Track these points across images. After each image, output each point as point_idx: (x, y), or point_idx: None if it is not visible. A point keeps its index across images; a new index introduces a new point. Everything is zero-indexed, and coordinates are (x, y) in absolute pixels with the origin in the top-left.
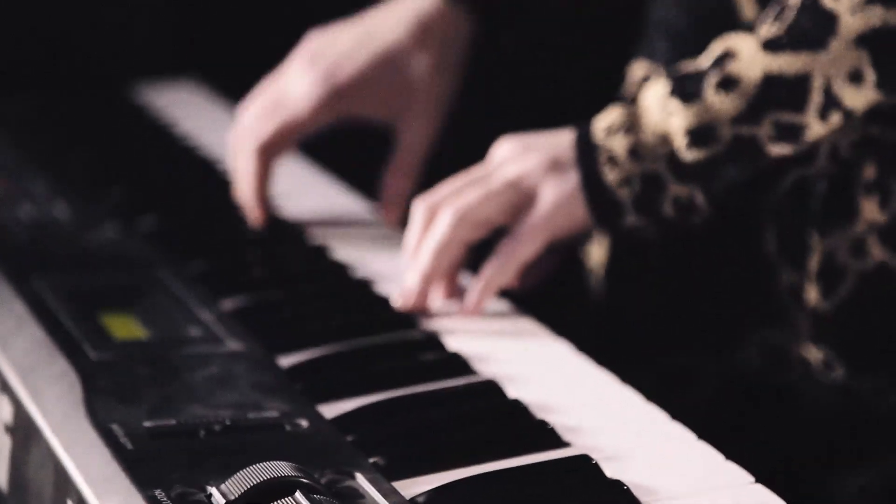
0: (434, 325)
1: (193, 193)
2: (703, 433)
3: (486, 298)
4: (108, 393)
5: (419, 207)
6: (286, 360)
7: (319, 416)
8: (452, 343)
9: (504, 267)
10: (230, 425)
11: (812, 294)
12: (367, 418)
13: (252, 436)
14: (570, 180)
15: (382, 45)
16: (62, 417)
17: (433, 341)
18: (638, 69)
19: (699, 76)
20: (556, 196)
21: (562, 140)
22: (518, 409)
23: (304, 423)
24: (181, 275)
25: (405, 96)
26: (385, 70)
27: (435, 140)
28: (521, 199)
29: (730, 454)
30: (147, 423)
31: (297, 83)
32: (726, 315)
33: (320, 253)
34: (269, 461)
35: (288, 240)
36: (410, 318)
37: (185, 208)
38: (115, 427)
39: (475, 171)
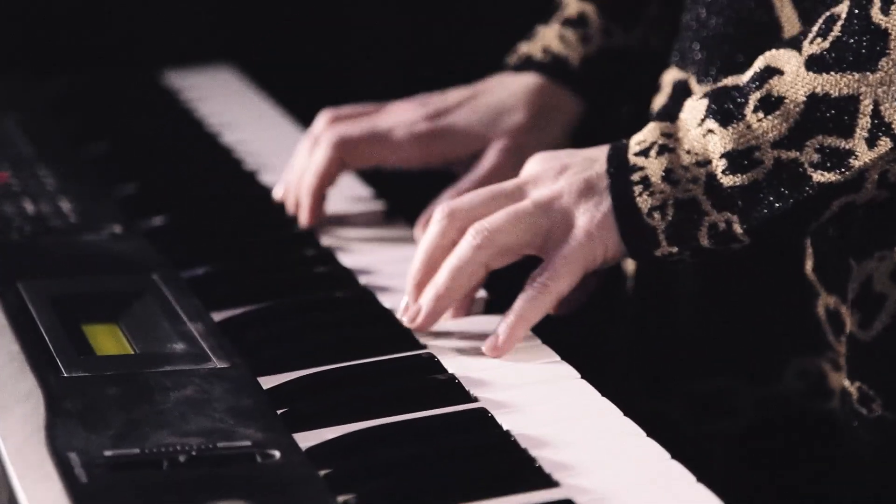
0: (436, 343)
1: (207, 187)
2: (737, 462)
3: (518, 336)
4: (72, 416)
5: (440, 215)
6: (270, 381)
7: (294, 447)
8: (452, 365)
9: (537, 302)
10: (196, 456)
11: (850, 322)
12: (346, 449)
13: (218, 469)
14: (603, 205)
15: (485, 102)
16: (22, 442)
17: (431, 363)
18: (670, 76)
19: (740, 94)
20: (589, 223)
21: (596, 159)
22: (508, 444)
23: (276, 453)
24: (178, 280)
25: (493, 140)
26: (481, 121)
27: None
28: (551, 225)
29: (765, 486)
30: (108, 453)
31: (399, 111)
32: (764, 339)
33: (327, 258)
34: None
35: (298, 243)
36: (410, 336)
37: (196, 203)
38: (73, 456)
39: (505, 186)
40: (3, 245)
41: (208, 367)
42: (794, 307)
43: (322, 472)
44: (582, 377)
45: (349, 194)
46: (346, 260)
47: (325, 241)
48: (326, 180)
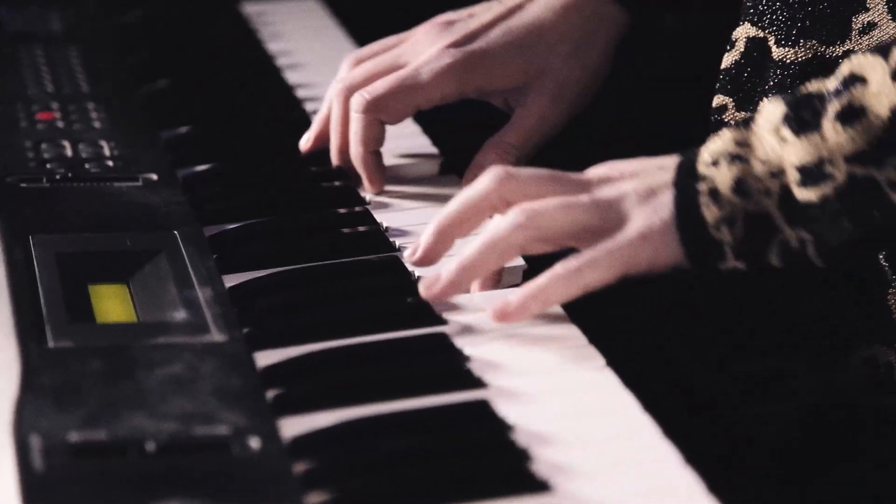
0: (457, 318)
1: (260, 133)
2: (794, 450)
3: (530, 309)
4: (46, 392)
5: (494, 174)
6: (270, 356)
7: (275, 435)
8: (468, 344)
9: (564, 284)
10: (166, 445)
11: None
12: (331, 440)
13: (187, 459)
14: (664, 211)
15: (520, 22)
16: None
17: (444, 343)
18: (743, 32)
19: (820, 101)
20: (645, 226)
21: (666, 167)
22: (505, 441)
23: (254, 443)
24: (200, 238)
25: (532, 75)
26: (519, 47)
27: (551, 131)
28: (603, 225)
29: (821, 478)
30: (72, 437)
31: (422, 43)
32: (829, 324)
33: (364, 217)
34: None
35: (337, 198)
36: (429, 310)
37: (243, 151)
38: (35, 439)
39: (570, 176)
40: (28, 192)
41: (204, 341)
42: (864, 294)
43: (299, 467)
44: (630, 355)
45: (406, 144)
46: (385, 218)
47: (370, 196)
48: (373, 145)
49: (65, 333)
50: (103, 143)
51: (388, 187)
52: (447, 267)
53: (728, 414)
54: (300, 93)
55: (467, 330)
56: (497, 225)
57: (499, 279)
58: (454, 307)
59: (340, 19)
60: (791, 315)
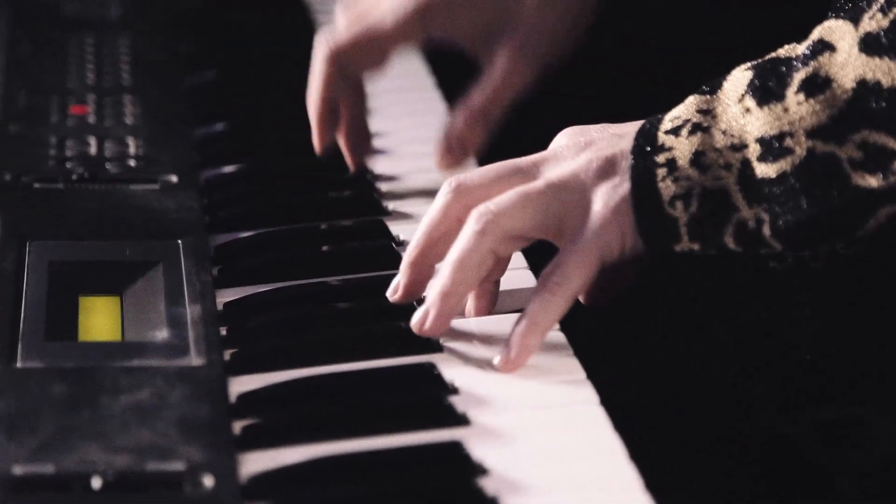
0: (453, 345)
1: (294, 136)
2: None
3: (532, 346)
4: (1, 419)
5: (446, 189)
6: (245, 384)
7: (232, 474)
8: (459, 375)
9: (550, 305)
10: (113, 481)
11: None
12: (291, 481)
13: (135, 497)
14: (622, 188)
15: None
16: None
17: (430, 374)
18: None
19: (787, 68)
20: (605, 208)
21: (625, 134)
22: (470, 490)
23: (208, 481)
24: (205, 248)
25: (502, 25)
26: None
27: (522, 86)
28: (565, 209)
29: None
30: (18, 469)
31: None
32: None
33: (376, 228)
34: None
35: (355, 208)
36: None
37: (272, 155)
38: None
39: (520, 163)
40: (39, 194)
41: (179, 364)
42: None
43: None
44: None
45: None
46: (403, 230)
47: (392, 205)
48: (328, 102)
49: (36, 352)
50: (130, 141)
51: (413, 196)
52: (430, 298)
53: (801, 463)
54: None
55: (462, 357)
56: (460, 238)
57: (494, 290)
58: (452, 332)
59: None
60: (863, 358)
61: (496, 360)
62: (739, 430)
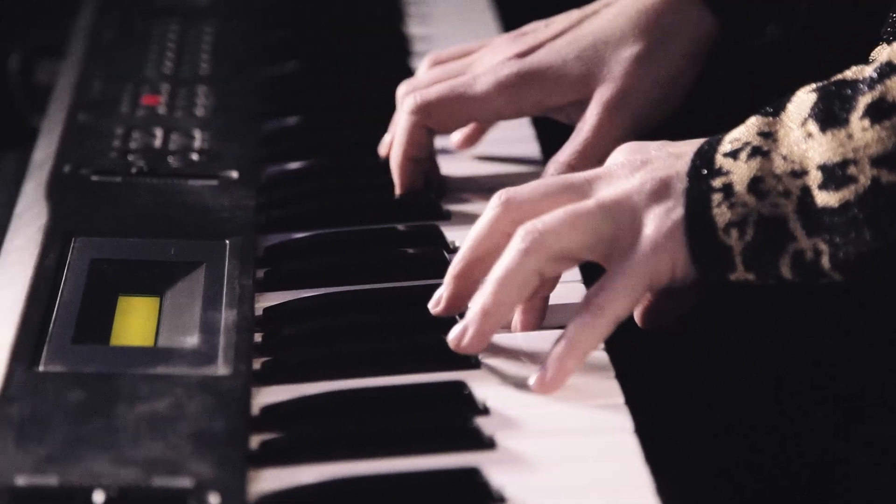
0: (491, 362)
1: (365, 134)
2: None
3: (569, 370)
4: (10, 425)
5: (495, 202)
6: (271, 395)
7: (240, 493)
8: (493, 395)
9: (592, 328)
10: (116, 497)
11: None
12: (304, 502)
13: None
14: (675, 213)
15: (588, 30)
16: None
17: (459, 392)
18: (885, 55)
19: (853, 91)
20: (656, 233)
21: (683, 154)
22: None
23: (214, 500)
24: (252, 249)
25: (592, 86)
26: (580, 57)
27: (613, 145)
28: (616, 230)
29: None
30: (20, 480)
31: (491, 52)
32: None
33: (432, 235)
34: None
35: (414, 211)
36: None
37: (339, 154)
38: None
39: (573, 179)
40: (95, 187)
41: (204, 373)
42: None
43: None
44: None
45: (516, 150)
46: (460, 236)
47: (454, 208)
48: (413, 151)
49: (60, 356)
50: (197, 134)
51: (477, 199)
52: (469, 315)
53: (851, 484)
54: None
55: (500, 375)
56: (504, 256)
57: (542, 305)
58: (494, 347)
59: (502, 5)
60: None
61: (531, 381)
62: (790, 450)
